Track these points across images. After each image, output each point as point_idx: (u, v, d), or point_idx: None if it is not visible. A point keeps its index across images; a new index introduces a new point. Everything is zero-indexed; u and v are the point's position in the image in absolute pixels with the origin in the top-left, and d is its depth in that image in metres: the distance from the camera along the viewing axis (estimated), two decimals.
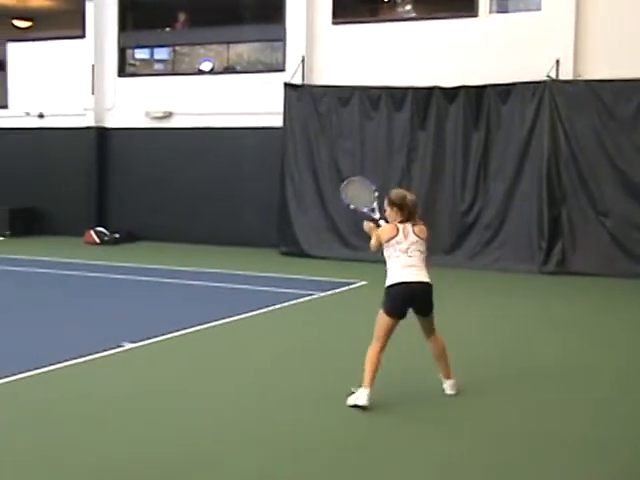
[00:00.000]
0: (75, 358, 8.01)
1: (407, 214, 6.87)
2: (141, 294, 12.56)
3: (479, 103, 15.80)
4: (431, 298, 6.92)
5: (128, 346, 8.64)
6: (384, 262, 6.93)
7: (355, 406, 6.61)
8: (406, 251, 6.80)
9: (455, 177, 16.06)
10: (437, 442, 6.00)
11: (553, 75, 15.44)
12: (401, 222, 6.87)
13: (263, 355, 8.58)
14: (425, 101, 16.17)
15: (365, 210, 7.29)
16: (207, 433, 6.11)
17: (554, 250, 15.20)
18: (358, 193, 7.46)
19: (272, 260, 16.42)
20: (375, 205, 7.28)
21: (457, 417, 6.58)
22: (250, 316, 10.53)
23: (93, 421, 6.31)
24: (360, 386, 6.67)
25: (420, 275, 6.83)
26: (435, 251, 15.99)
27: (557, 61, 15.54)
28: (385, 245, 6.85)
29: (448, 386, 7.08)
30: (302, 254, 16.66)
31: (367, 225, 7.03)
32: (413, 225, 6.89)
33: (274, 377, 7.71)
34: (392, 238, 6.81)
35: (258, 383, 7.47)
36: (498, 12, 16.59)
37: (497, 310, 11.53)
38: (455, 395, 7.01)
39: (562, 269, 15.03)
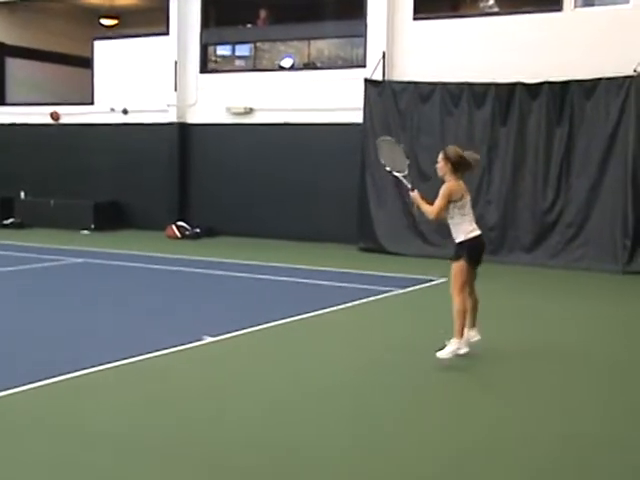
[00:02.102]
0: (158, 350, 8.14)
1: (462, 172, 7.71)
2: (220, 288, 12.72)
3: (562, 99, 15.50)
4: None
5: (209, 340, 8.75)
6: None
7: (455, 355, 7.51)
8: (470, 208, 7.79)
9: (537, 174, 15.80)
10: None
11: None
12: (457, 179, 7.67)
13: (345, 351, 8.60)
14: (507, 97, 15.95)
15: (400, 176, 7.99)
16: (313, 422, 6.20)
17: (639, 250, 14.86)
18: (393, 156, 8.12)
19: (351, 256, 16.42)
20: (407, 172, 7.97)
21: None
22: (328, 312, 10.55)
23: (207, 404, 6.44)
24: (452, 338, 7.54)
25: (479, 229, 7.87)
26: (515, 249, 15.88)
27: None
28: (453, 204, 7.62)
29: (474, 333, 8.02)
30: (381, 250, 16.63)
31: (415, 195, 7.77)
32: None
33: (362, 373, 7.72)
34: (461, 198, 7.64)
35: (346, 380, 7.51)
36: (584, 6, 16.25)
37: (570, 310, 11.34)
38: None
39: None
